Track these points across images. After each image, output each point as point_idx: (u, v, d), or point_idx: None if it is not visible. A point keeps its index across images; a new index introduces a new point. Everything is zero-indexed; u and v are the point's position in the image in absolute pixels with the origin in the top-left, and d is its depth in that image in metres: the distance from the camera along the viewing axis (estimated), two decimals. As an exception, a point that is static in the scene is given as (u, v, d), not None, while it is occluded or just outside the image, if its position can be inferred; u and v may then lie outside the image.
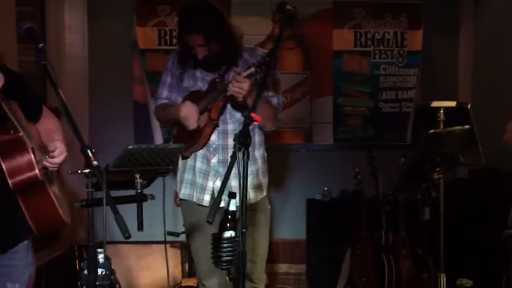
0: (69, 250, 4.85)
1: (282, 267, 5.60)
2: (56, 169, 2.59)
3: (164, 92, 3.54)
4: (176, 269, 5.17)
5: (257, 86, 2.99)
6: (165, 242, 3.23)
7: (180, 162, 3.52)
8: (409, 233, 4.64)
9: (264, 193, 3.53)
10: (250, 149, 3.34)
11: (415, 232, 4.59)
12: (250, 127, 3.31)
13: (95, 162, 2.13)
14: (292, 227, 5.57)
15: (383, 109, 5.64)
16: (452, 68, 5.71)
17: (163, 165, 2.36)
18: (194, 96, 3.38)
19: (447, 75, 5.68)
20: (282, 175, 5.56)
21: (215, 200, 2.42)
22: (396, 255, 4.64)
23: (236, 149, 2.37)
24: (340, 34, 5.57)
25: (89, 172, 2.14)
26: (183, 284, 4.91)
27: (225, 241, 2.48)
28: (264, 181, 3.54)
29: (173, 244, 5.06)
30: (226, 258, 2.49)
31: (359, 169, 4.85)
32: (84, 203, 2.17)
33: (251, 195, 3.41)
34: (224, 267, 2.53)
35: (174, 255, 5.16)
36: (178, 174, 3.54)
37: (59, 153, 2.53)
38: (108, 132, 5.34)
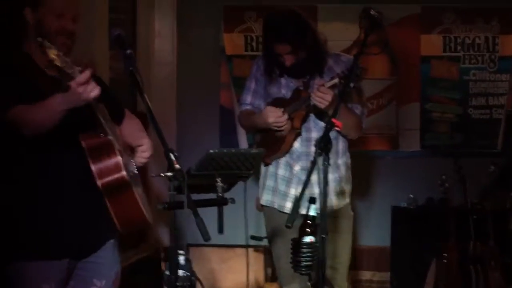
0: (155, 251, 4.97)
1: (366, 274, 5.54)
2: (142, 164, 2.67)
3: (248, 98, 3.57)
4: (259, 273, 5.20)
5: (339, 95, 2.97)
6: (247, 246, 3.28)
7: (262, 168, 3.54)
8: (499, 243, 4.50)
9: (347, 200, 3.51)
10: (334, 156, 3.38)
11: (505, 243, 4.47)
12: (334, 135, 3.35)
13: (177, 166, 2.17)
14: (376, 234, 5.50)
15: (472, 116, 5.49)
16: (547, 73, 5.50)
17: (244, 169, 2.39)
18: (277, 104, 3.40)
19: (541, 80, 5.47)
20: (367, 181, 5.50)
21: (295, 205, 2.43)
22: (484, 266, 4.52)
23: (316, 154, 2.37)
24: (429, 39, 5.47)
25: (171, 175, 2.19)
26: (265, 289, 4.94)
27: (304, 246, 2.49)
28: (348, 188, 3.51)
29: (256, 248, 5.09)
30: (305, 263, 2.50)
31: (446, 177, 4.74)
32: (166, 205, 2.22)
33: (334, 201, 3.41)
34: (303, 272, 2.54)
35: (257, 259, 5.19)
36: (260, 180, 3.56)
37: (146, 148, 2.64)
38: (195, 136, 5.43)
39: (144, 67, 5.38)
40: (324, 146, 2.38)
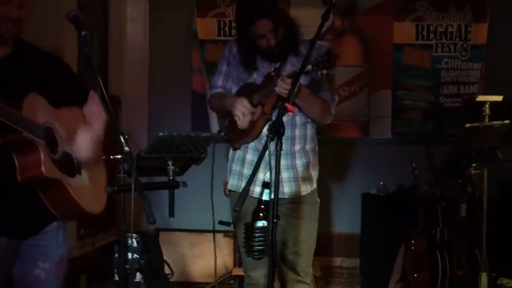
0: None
1: (336, 261, 5.57)
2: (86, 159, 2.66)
3: (219, 81, 3.54)
4: (228, 258, 5.22)
5: (293, 78, 2.95)
6: (213, 231, 3.28)
7: (230, 153, 3.54)
8: (467, 231, 4.53)
9: (314, 186, 3.49)
10: (302, 141, 3.39)
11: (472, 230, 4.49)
12: (303, 121, 3.36)
13: (126, 148, 2.17)
14: (347, 221, 5.53)
15: (444, 104, 5.52)
16: (519, 62, 5.53)
17: (196, 153, 2.38)
18: (248, 89, 3.38)
19: (514, 69, 5.50)
20: (338, 168, 5.52)
21: (244, 188, 2.43)
22: (450, 252, 4.55)
23: (268, 139, 2.36)
24: (401, 27, 5.48)
25: (120, 158, 2.19)
26: (233, 273, 4.95)
27: (257, 231, 2.49)
28: (314, 174, 3.50)
29: (226, 233, 5.11)
30: (257, 247, 2.50)
31: (416, 164, 4.75)
32: (115, 188, 2.21)
33: (301, 187, 3.40)
34: (256, 257, 2.54)
35: (227, 244, 5.22)
36: (228, 165, 3.56)
37: (78, 146, 2.60)
38: (167, 121, 5.45)
39: (116, 51, 5.36)
40: (276, 130, 2.37)
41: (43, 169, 2.36)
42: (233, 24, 5.34)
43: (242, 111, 3.27)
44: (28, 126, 2.36)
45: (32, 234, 2.56)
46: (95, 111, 2.75)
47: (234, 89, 3.48)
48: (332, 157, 5.35)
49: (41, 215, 2.54)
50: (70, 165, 2.56)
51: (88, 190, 2.58)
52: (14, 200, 2.47)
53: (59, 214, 2.49)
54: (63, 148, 2.53)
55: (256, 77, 3.41)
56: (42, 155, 2.37)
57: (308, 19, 4.92)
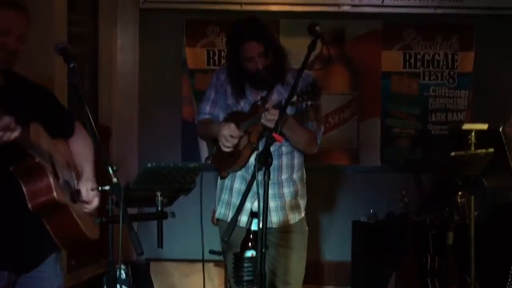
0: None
1: (327, 289, 5.57)
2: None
3: (207, 108, 3.55)
4: (219, 288, 5.21)
5: (280, 108, 2.97)
6: (203, 261, 3.26)
7: (219, 181, 3.54)
8: (457, 258, 4.53)
9: (302, 215, 3.49)
10: (289, 171, 3.40)
11: (463, 257, 4.50)
12: (289, 150, 3.37)
13: (114, 179, 2.17)
14: (337, 249, 5.53)
15: (432, 131, 5.57)
16: (505, 90, 5.57)
17: (184, 183, 2.39)
18: (235, 117, 3.39)
19: (500, 97, 5.54)
20: (328, 196, 5.53)
21: (232, 219, 2.43)
22: (441, 280, 4.55)
23: (255, 169, 2.37)
24: (389, 55, 5.54)
25: (109, 189, 2.19)
26: (224, 303, 4.93)
27: (246, 261, 2.48)
28: (303, 203, 3.50)
29: (217, 263, 5.08)
30: (246, 278, 2.49)
31: (406, 192, 4.76)
32: (103, 219, 2.22)
33: (289, 216, 3.40)
34: (245, 287, 2.53)
35: (218, 274, 5.19)
36: (217, 193, 3.56)
37: (92, 197, 2.59)
38: (157, 150, 5.46)
39: (106, 80, 5.39)
40: (264, 160, 2.38)
41: (54, 193, 2.36)
42: (223, 54, 5.38)
43: (230, 134, 3.27)
44: (40, 152, 2.38)
45: (33, 267, 2.55)
46: (81, 152, 2.73)
47: (221, 116, 3.49)
48: (322, 185, 5.37)
49: (42, 247, 2.53)
50: (70, 193, 2.56)
51: (85, 217, 2.58)
52: (16, 233, 2.46)
53: (61, 242, 2.47)
54: (63, 176, 2.53)
55: (243, 105, 3.42)
56: (52, 180, 2.37)
57: (297, 48, 4.97)
